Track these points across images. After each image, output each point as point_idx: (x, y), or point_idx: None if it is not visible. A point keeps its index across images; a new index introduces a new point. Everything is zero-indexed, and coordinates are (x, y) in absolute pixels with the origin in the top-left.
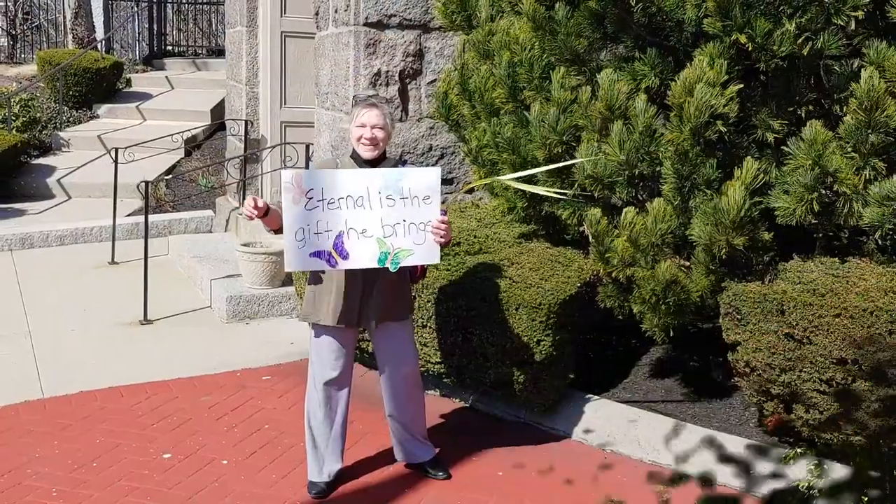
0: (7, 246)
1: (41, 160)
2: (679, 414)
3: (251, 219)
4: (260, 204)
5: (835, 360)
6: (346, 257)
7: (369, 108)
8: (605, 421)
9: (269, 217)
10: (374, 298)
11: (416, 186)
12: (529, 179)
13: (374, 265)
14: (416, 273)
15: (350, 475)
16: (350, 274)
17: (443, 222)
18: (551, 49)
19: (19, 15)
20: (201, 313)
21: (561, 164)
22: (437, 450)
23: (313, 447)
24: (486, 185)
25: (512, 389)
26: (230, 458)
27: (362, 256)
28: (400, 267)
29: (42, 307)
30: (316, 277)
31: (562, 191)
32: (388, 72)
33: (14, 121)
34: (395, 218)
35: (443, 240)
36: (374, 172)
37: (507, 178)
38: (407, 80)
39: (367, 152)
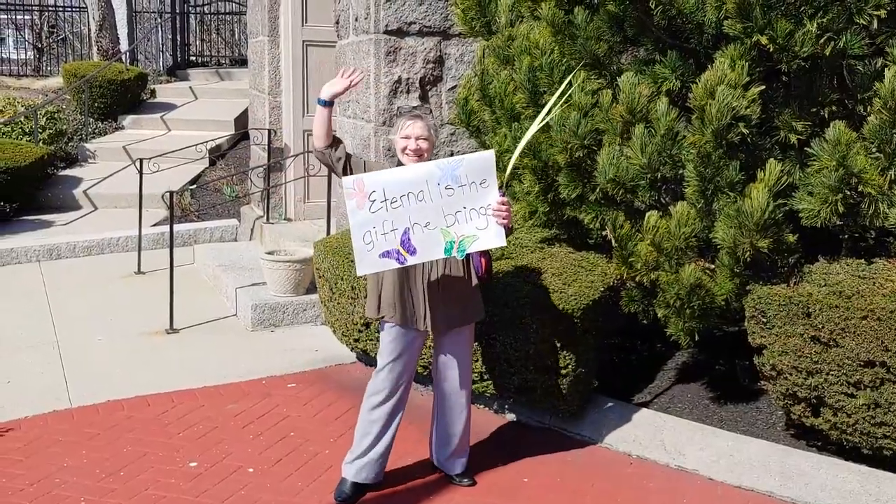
0: (35, 257)
1: (67, 171)
2: (705, 418)
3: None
4: (347, 82)
5: (862, 363)
6: (413, 252)
7: (413, 119)
8: (631, 426)
9: (328, 116)
10: (444, 302)
11: (472, 172)
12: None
13: (442, 256)
14: (481, 273)
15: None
16: (417, 278)
17: (503, 203)
18: (571, 53)
19: (45, 28)
20: (227, 322)
21: None
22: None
23: (363, 450)
24: (506, 191)
25: (536, 395)
26: (256, 466)
27: (429, 249)
28: (466, 254)
29: (69, 317)
30: (382, 278)
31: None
32: (408, 79)
33: (41, 133)
34: (455, 206)
35: (505, 221)
36: (430, 165)
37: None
38: (427, 87)
39: (412, 163)
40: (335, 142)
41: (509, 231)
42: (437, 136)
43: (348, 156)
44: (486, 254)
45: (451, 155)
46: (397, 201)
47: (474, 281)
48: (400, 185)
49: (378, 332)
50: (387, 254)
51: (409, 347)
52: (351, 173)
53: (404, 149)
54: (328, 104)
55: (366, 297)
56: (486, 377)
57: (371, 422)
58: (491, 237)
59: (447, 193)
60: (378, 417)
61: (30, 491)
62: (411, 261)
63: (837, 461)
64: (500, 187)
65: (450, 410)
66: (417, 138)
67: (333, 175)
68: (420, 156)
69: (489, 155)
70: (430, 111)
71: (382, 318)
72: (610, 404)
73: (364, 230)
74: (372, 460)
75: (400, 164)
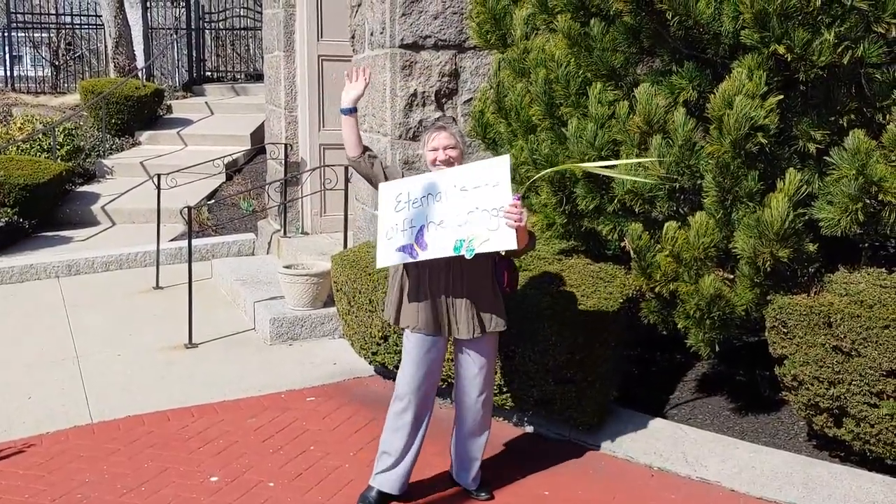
0: (54, 272)
1: (85, 187)
2: (726, 430)
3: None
4: (363, 80)
5: (885, 373)
6: (424, 248)
7: (438, 130)
8: (652, 438)
9: (355, 123)
10: (464, 311)
11: (486, 174)
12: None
13: (451, 253)
14: (503, 283)
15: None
16: (436, 287)
17: (515, 206)
18: (587, 65)
19: (62, 46)
20: (245, 335)
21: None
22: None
23: (392, 461)
24: (523, 203)
25: (555, 407)
26: (277, 480)
27: (440, 246)
28: (476, 254)
29: (89, 332)
30: (404, 285)
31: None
32: (424, 92)
33: (59, 149)
34: (468, 206)
35: (516, 223)
36: (450, 170)
37: (579, 165)
38: (443, 100)
39: None
40: (366, 149)
41: (530, 240)
42: (465, 142)
43: (384, 166)
44: (510, 265)
45: None
46: (418, 202)
47: (497, 291)
48: (422, 188)
49: (396, 344)
50: (402, 248)
51: (431, 354)
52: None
53: (434, 160)
54: (352, 111)
55: (383, 308)
56: (504, 390)
57: (395, 429)
58: (501, 239)
59: (462, 195)
60: (402, 425)
61: None
62: (422, 256)
63: (861, 472)
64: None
65: (471, 424)
66: (445, 148)
67: (349, 189)
68: (450, 165)
69: (503, 159)
70: (454, 119)
71: (406, 326)
72: (630, 416)
73: (387, 227)
74: (399, 471)
75: None
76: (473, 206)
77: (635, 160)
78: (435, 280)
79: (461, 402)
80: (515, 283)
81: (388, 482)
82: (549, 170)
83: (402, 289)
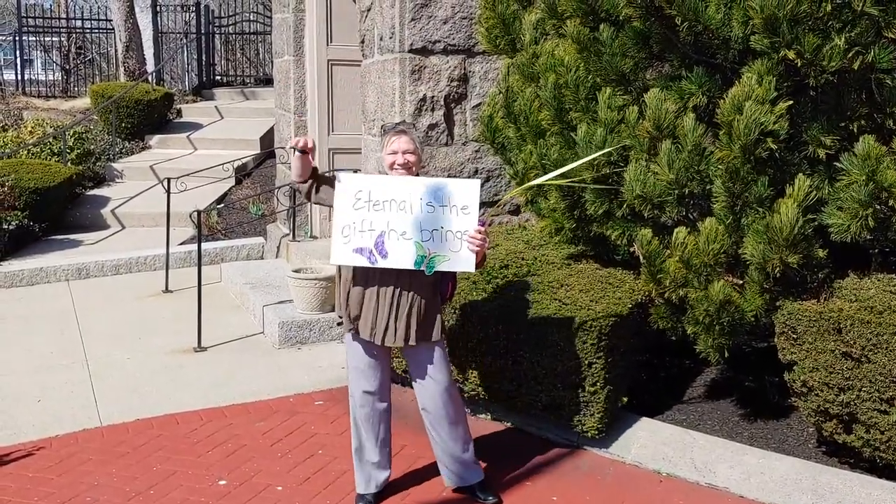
0: (64, 276)
1: (95, 191)
2: (735, 435)
3: (295, 149)
4: (309, 143)
5: (895, 379)
6: (385, 256)
7: (398, 134)
8: (660, 443)
9: (305, 161)
10: (401, 318)
11: (456, 196)
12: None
13: (411, 266)
14: (445, 293)
15: (399, 498)
16: (381, 291)
17: (479, 232)
18: (597, 70)
19: (72, 50)
20: (254, 339)
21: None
22: (484, 465)
23: (359, 459)
24: (532, 208)
25: (564, 412)
26: (285, 483)
27: (400, 257)
28: (435, 271)
29: (98, 336)
30: (351, 286)
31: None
32: (433, 97)
33: (69, 153)
34: (433, 224)
35: (477, 249)
36: (418, 180)
37: (539, 181)
38: (452, 105)
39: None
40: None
41: (481, 262)
42: (423, 150)
43: (322, 177)
44: (454, 277)
45: (476, 172)
46: (380, 205)
47: (437, 302)
48: (386, 191)
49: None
50: (360, 250)
51: (369, 357)
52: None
53: (392, 164)
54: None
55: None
56: (512, 394)
57: (355, 427)
58: (461, 261)
59: (428, 210)
60: (361, 422)
61: None
62: (381, 263)
63: (870, 478)
64: (507, 207)
65: (438, 428)
66: (405, 152)
67: None
68: (408, 169)
69: (474, 184)
70: (433, 124)
71: (346, 328)
72: (639, 421)
73: (344, 224)
74: (371, 470)
75: None
76: (439, 225)
77: (587, 158)
78: (378, 284)
79: (422, 407)
80: (454, 292)
81: (372, 482)
82: (518, 189)
83: (348, 290)
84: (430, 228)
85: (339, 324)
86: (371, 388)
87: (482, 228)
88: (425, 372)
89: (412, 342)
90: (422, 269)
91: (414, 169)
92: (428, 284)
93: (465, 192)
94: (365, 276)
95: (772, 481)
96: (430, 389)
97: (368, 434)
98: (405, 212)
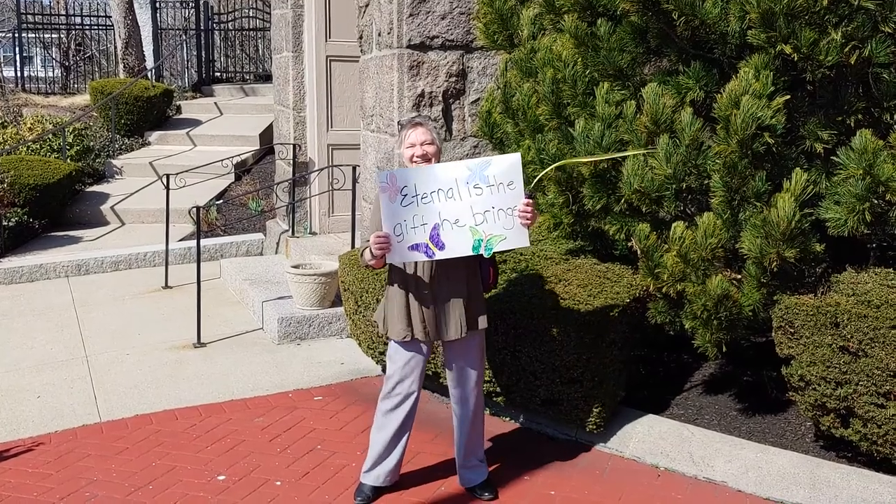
0: (64, 272)
1: (95, 188)
2: (733, 430)
3: (380, 254)
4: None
5: (892, 373)
6: (442, 248)
7: (414, 127)
8: (658, 438)
9: (379, 264)
10: (444, 313)
11: (500, 173)
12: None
13: (470, 252)
14: (488, 281)
15: (396, 493)
16: (423, 291)
17: (528, 205)
18: (594, 65)
19: (72, 47)
20: (253, 335)
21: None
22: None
23: (375, 453)
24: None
25: (562, 407)
26: (284, 478)
27: (458, 245)
28: (493, 252)
29: (98, 332)
30: (394, 292)
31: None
32: (431, 92)
33: (69, 150)
34: (484, 205)
35: (529, 222)
36: (460, 164)
37: (571, 161)
38: (450, 100)
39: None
40: None
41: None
42: (442, 142)
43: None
44: (494, 262)
45: None
46: (427, 197)
47: (481, 289)
48: (430, 182)
49: None
50: (416, 247)
51: (415, 356)
52: None
53: (412, 157)
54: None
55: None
56: (511, 389)
57: (380, 427)
58: (516, 237)
59: (476, 192)
60: (388, 423)
61: None
62: (439, 255)
63: (868, 472)
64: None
65: (464, 420)
66: (423, 144)
67: (357, 189)
68: (428, 160)
69: (516, 157)
70: (432, 119)
71: (395, 338)
72: (637, 416)
73: (395, 222)
74: (386, 468)
75: None
76: (489, 206)
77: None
78: (421, 287)
79: (454, 399)
80: (497, 279)
81: (379, 479)
82: (552, 165)
83: (388, 299)
84: (482, 210)
85: (386, 339)
86: (416, 389)
87: (529, 201)
88: (466, 364)
89: (465, 333)
90: (480, 252)
91: (433, 160)
92: (469, 274)
93: (509, 168)
94: (405, 282)
95: (769, 475)
96: (467, 382)
97: (399, 433)
98: (454, 199)
